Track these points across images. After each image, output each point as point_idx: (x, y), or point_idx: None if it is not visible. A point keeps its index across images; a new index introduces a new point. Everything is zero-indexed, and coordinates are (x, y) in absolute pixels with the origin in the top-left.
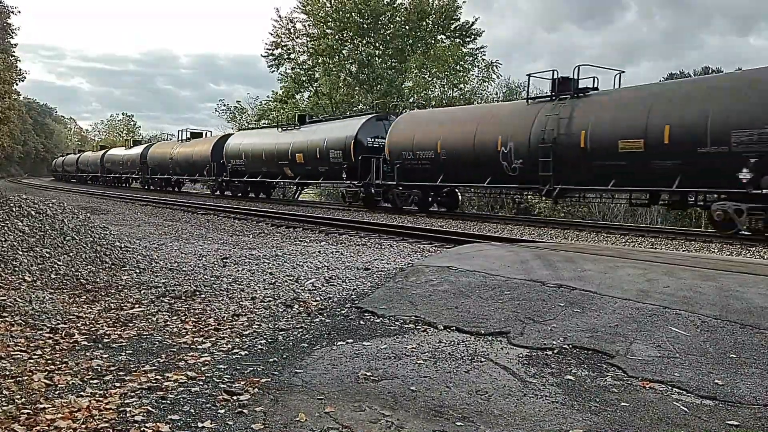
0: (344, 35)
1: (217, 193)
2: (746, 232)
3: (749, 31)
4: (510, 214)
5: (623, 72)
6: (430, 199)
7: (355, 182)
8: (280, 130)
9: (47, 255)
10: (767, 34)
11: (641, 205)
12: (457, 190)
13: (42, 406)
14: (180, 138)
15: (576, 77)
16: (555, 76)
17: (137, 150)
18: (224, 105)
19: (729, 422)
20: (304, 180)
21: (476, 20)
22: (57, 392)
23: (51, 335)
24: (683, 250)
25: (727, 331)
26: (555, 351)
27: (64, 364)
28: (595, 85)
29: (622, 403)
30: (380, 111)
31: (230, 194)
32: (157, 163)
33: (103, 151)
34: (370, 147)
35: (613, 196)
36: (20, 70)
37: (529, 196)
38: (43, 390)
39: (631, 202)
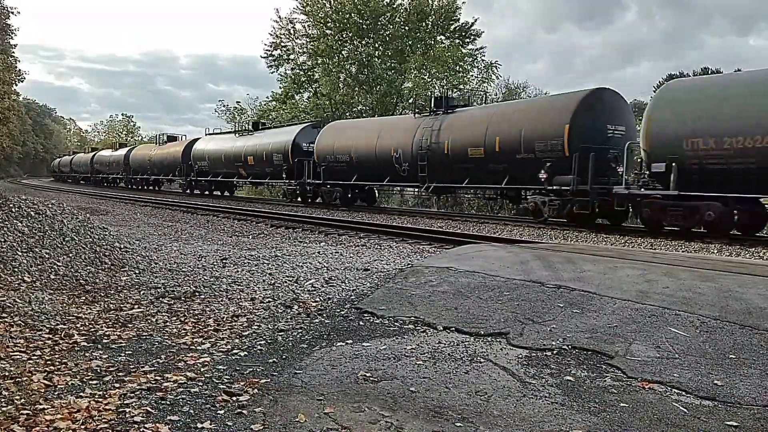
0: (344, 36)
1: (188, 191)
2: (553, 219)
3: (749, 31)
4: (510, 214)
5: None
6: (350, 195)
7: (293, 181)
8: (237, 135)
9: (47, 256)
10: (767, 35)
11: (491, 199)
12: (374, 188)
13: (41, 406)
14: (158, 141)
15: (450, 95)
16: (435, 96)
17: (122, 152)
18: (224, 105)
19: (728, 423)
20: (254, 179)
21: (476, 21)
22: (56, 393)
23: (50, 336)
24: (682, 251)
25: (727, 332)
26: (554, 352)
27: (64, 365)
28: (467, 103)
29: (622, 404)
30: (315, 121)
31: (198, 192)
32: (138, 164)
33: (93, 153)
34: (306, 151)
35: (468, 191)
36: (20, 70)
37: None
38: (42, 390)
39: (483, 196)
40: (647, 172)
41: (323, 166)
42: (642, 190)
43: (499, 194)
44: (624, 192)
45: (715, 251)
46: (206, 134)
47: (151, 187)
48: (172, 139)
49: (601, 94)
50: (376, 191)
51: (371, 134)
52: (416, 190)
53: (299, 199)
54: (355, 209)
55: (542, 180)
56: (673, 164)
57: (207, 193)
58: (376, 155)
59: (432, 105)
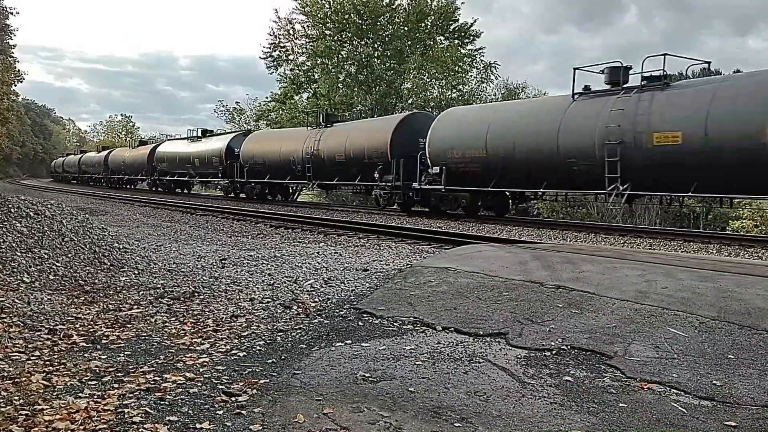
0: (343, 36)
1: (153, 189)
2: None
3: (748, 32)
4: (509, 215)
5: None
6: (267, 190)
7: (226, 180)
8: (189, 141)
9: (46, 256)
10: (765, 35)
11: (358, 193)
12: (289, 185)
13: (40, 407)
14: (131, 145)
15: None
16: (322, 111)
17: (103, 154)
18: (223, 106)
19: (727, 423)
20: (201, 178)
21: (475, 21)
22: (55, 393)
23: (49, 336)
24: (681, 251)
25: (725, 332)
26: (553, 352)
27: (63, 366)
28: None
29: (621, 404)
30: (246, 130)
31: (161, 190)
32: (116, 165)
33: (81, 155)
34: (236, 155)
35: (340, 188)
36: (19, 71)
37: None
38: (41, 391)
39: (353, 191)
40: (432, 173)
41: (246, 167)
42: (427, 185)
43: (358, 190)
44: (417, 187)
45: (714, 251)
46: (167, 139)
47: (126, 186)
48: (143, 143)
49: (413, 116)
50: (290, 188)
51: (277, 143)
52: (305, 187)
53: (231, 194)
54: (271, 202)
55: (376, 178)
56: (444, 167)
57: (167, 190)
58: (281, 159)
59: (319, 119)
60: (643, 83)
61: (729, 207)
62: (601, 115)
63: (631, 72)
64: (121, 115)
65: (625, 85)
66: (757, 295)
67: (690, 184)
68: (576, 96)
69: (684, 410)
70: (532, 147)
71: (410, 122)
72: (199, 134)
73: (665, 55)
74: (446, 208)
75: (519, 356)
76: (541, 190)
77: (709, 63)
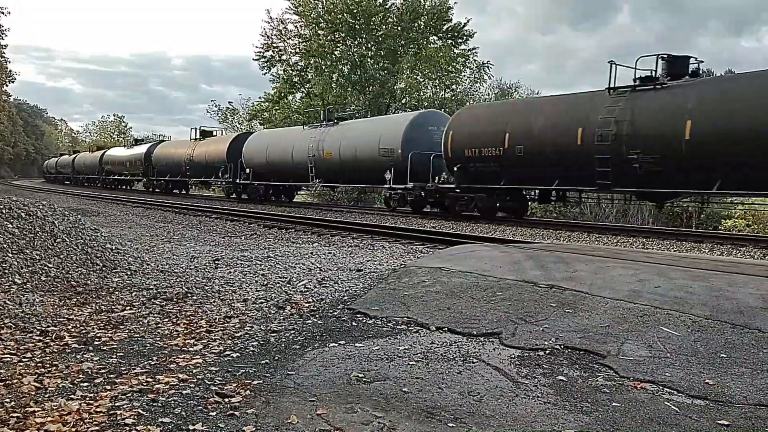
0: (336, 36)
1: (150, 190)
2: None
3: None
4: (502, 214)
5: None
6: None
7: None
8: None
9: (37, 257)
10: (758, 36)
11: (365, 194)
12: (293, 187)
13: (32, 409)
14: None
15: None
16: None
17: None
18: (216, 106)
19: (720, 422)
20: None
21: (468, 21)
22: (47, 395)
23: (41, 338)
24: (674, 251)
25: (718, 331)
26: (547, 351)
27: (54, 367)
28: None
29: (614, 404)
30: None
31: (158, 191)
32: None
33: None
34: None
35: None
36: (10, 71)
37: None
38: (32, 393)
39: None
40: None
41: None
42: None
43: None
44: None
45: (707, 251)
46: (159, 140)
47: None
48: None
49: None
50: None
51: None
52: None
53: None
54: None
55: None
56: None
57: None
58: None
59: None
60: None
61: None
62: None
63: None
64: (114, 115)
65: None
66: (750, 294)
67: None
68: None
69: (677, 409)
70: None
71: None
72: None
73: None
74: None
75: (512, 356)
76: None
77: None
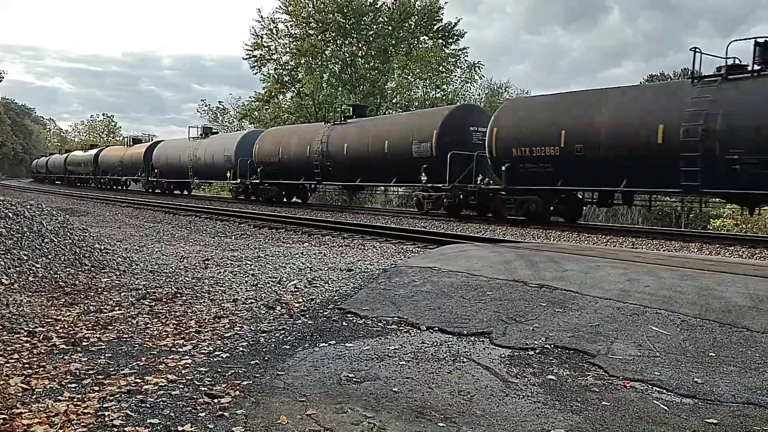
0: (327, 35)
1: (150, 190)
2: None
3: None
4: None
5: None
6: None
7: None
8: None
9: (25, 257)
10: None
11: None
12: (307, 187)
13: (18, 411)
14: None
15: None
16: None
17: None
18: (206, 105)
19: (708, 420)
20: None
21: (458, 21)
22: (34, 397)
23: (28, 339)
24: (664, 250)
25: (707, 330)
26: (537, 351)
27: (42, 368)
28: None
29: (603, 403)
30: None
31: (158, 191)
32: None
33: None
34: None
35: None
36: None
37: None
38: (19, 394)
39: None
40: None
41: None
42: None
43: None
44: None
45: (696, 250)
46: (150, 139)
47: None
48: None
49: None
50: (308, 190)
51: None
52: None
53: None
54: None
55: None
56: (508, 166)
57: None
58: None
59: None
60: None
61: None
62: None
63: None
64: (103, 114)
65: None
66: (738, 293)
67: None
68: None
69: (666, 408)
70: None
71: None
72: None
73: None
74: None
75: (503, 355)
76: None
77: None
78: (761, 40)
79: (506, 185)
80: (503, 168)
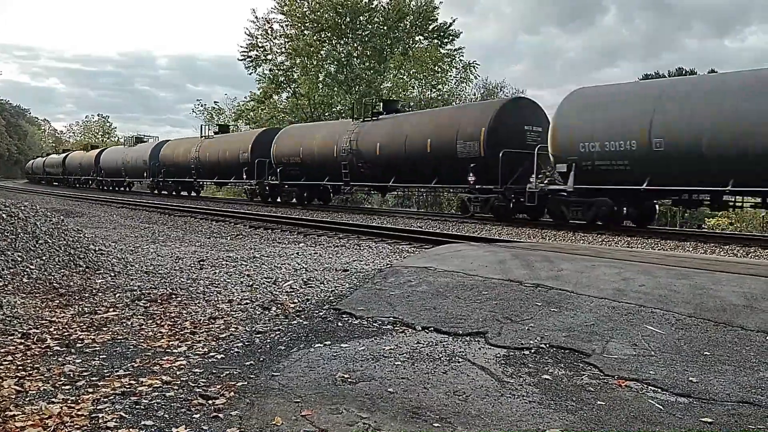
0: (322, 35)
1: (156, 192)
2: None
3: (726, 33)
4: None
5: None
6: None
7: (253, 181)
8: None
9: (19, 259)
10: (742, 37)
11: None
12: (331, 189)
13: (11, 413)
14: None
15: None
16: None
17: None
18: (201, 106)
19: (703, 419)
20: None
21: (454, 21)
22: (27, 399)
23: (22, 340)
24: (659, 249)
25: (701, 329)
26: (532, 350)
27: (36, 370)
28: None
29: (599, 402)
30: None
31: (165, 192)
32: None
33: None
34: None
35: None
36: None
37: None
38: (13, 397)
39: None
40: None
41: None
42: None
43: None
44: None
45: (691, 249)
46: (146, 139)
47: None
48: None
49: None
50: (330, 191)
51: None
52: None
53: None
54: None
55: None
56: (573, 164)
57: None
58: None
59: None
60: None
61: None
62: None
63: None
64: (98, 115)
65: None
66: (732, 292)
67: None
68: None
69: (661, 407)
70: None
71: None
72: (216, 130)
73: None
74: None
75: (498, 355)
76: None
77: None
78: None
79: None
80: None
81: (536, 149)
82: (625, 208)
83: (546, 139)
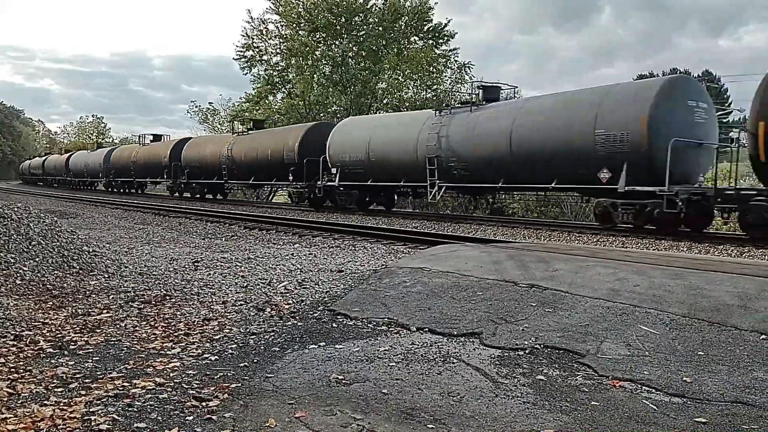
0: (317, 36)
1: (176, 194)
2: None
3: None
4: (484, 214)
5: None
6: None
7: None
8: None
9: (12, 260)
10: (735, 37)
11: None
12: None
13: (3, 415)
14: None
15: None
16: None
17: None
18: (196, 106)
19: (697, 419)
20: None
21: (449, 22)
22: (20, 401)
23: (15, 342)
24: (653, 249)
25: (695, 329)
26: (527, 351)
27: (28, 372)
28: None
29: (593, 402)
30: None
31: (188, 195)
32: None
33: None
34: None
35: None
36: None
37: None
38: (5, 399)
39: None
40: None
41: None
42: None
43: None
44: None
45: (685, 249)
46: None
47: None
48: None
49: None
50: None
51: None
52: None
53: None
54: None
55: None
56: None
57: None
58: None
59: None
60: None
61: None
62: None
63: None
64: (93, 116)
65: None
66: (726, 292)
67: None
68: None
69: (655, 407)
70: None
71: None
72: (250, 126)
73: None
74: None
75: (493, 356)
76: None
77: None
78: None
79: None
80: None
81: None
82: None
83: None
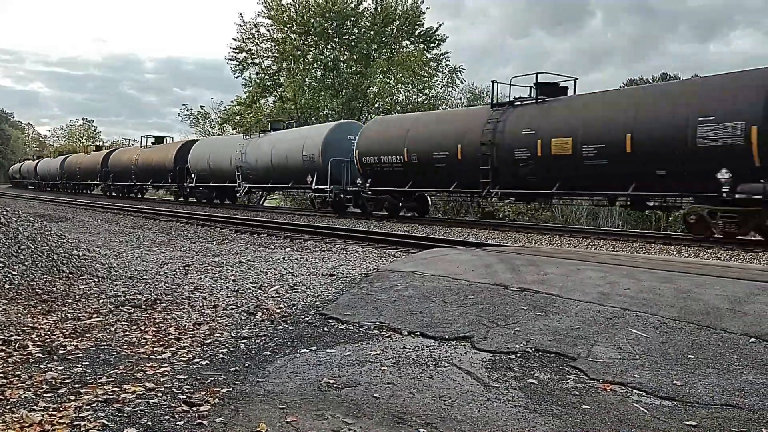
0: (309, 40)
1: (183, 199)
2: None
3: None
4: (475, 218)
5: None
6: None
7: (329, 188)
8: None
9: (0, 264)
10: (726, 41)
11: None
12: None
13: None
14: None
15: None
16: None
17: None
18: (187, 110)
19: (687, 423)
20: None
21: (440, 26)
22: (8, 407)
23: (3, 347)
24: (643, 253)
25: (685, 332)
26: (518, 355)
27: (17, 378)
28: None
29: (584, 406)
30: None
31: (193, 200)
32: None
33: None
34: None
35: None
36: None
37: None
38: None
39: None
40: None
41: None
42: None
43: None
44: None
45: (675, 253)
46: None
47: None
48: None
49: None
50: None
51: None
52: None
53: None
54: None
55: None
56: None
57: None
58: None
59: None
60: None
61: None
62: None
63: None
64: (83, 119)
65: None
66: (716, 296)
67: None
68: None
69: (645, 411)
70: None
71: None
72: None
73: None
74: None
75: (484, 360)
76: None
77: None
78: None
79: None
80: None
81: None
82: None
83: None
